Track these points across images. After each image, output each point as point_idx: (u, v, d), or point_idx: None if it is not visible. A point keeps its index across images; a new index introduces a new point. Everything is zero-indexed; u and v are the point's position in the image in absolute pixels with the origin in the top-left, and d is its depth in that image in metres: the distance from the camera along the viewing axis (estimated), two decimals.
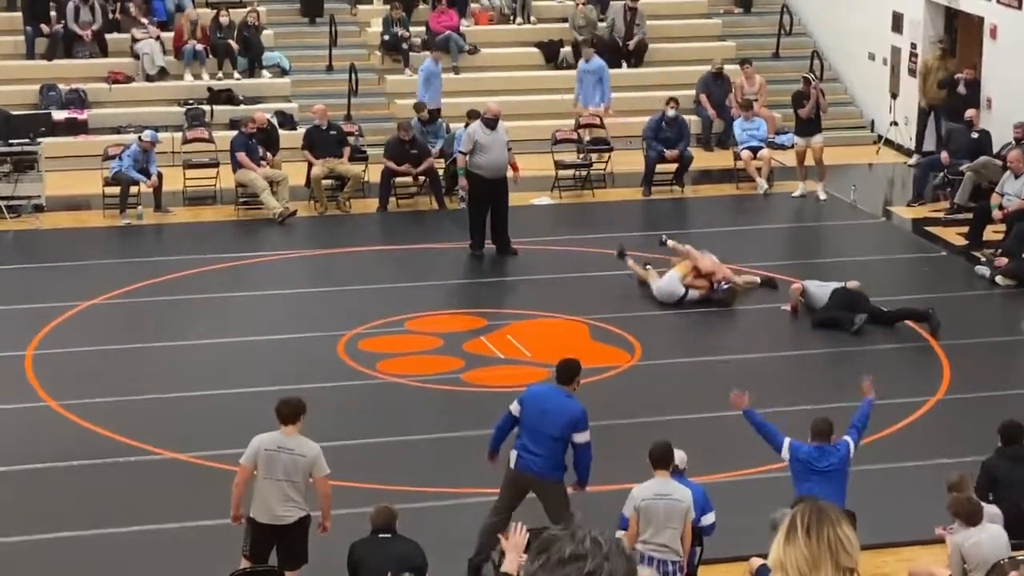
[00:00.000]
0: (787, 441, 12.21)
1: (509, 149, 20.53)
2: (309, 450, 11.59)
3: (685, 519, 11.36)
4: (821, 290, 18.28)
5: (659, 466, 11.54)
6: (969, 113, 23.22)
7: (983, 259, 20.12)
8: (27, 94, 25.07)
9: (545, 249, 20.69)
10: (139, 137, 22.34)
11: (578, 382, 12.41)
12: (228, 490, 12.61)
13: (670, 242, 19.49)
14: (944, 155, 22.92)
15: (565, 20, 27.86)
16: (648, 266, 19.16)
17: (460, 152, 20.68)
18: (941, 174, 23.06)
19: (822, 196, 23.15)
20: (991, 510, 11.65)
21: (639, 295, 18.90)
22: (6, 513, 13.43)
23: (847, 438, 12.21)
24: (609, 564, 3.60)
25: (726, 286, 18.72)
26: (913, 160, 24.99)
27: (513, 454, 12.20)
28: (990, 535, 11.17)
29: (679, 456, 11.80)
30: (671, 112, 23.81)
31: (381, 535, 11.19)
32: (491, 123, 20.27)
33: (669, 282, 18.70)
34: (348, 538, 11.32)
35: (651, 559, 11.37)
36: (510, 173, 20.70)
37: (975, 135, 23.02)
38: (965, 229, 21.26)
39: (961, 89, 24.00)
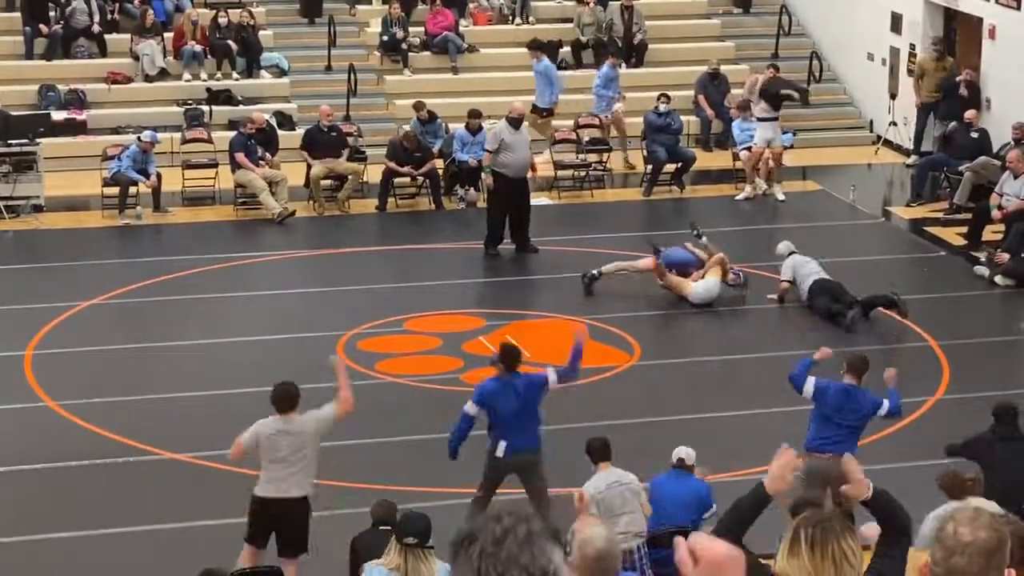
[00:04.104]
0: (811, 381, 12.70)
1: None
2: (307, 424, 11.74)
3: (640, 498, 11.59)
4: (806, 268, 18.50)
5: (601, 459, 11.77)
6: (969, 114, 23.23)
7: (983, 259, 20.13)
8: (26, 94, 25.04)
9: (545, 249, 20.67)
10: (138, 138, 22.33)
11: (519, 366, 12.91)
12: (228, 490, 12.68)
13: (704, 239, 19.42)
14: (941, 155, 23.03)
15: (564, 20, 27.88)
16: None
17: (487, 151, 20.78)
18: (942, 174, 23.11)
19: (743, 197, 23.39)
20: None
21: (639, 295, 18.89)
22: (5, 513, 13.42)
23: (885, 401, 12.56)
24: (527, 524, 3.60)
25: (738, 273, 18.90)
26: (911, 160, 25.01)
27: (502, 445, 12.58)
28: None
29: (687, 453, 11.93)
30: (662, 107, 23.87)
31: (382, 527, 11.22)
32: (516, 123, 20.48)
33: (712, 286, 18.66)
34: (347, 537, 11.34)
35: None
36: (529, 173, 20.88)
37: (974, 135, 23.04)
38: (964, 229, 21.27)
39: (962, 91, 24.00)
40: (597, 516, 11.56)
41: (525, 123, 20.81)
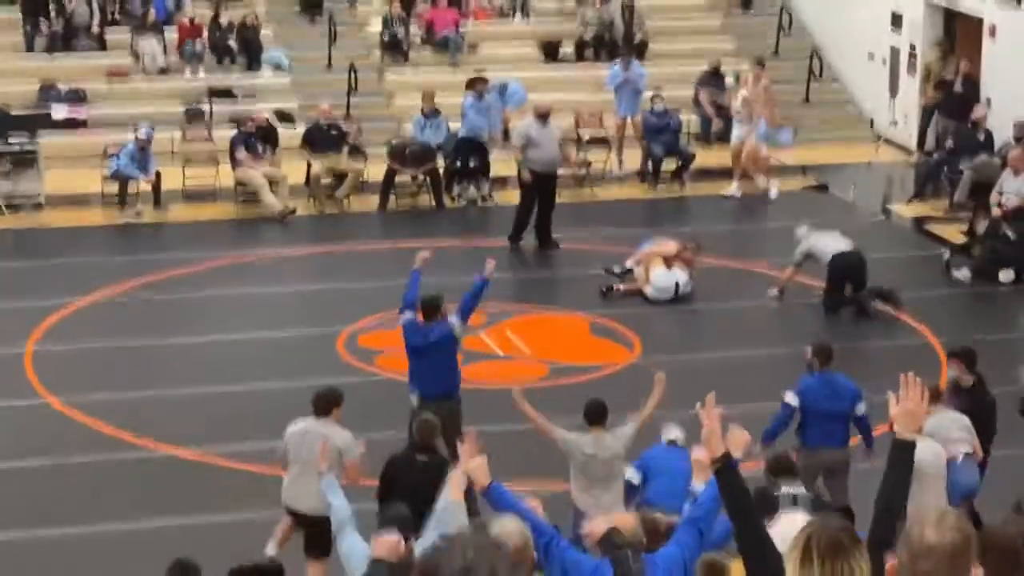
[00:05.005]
0: (789, 395, 12.69)
1: (560, 145, 20.95)
2: (339, 434, 11.57)
3: (620, 466, 11.72)
4: (824, 243, 18.46)
5: (594, 423, 11.87)
6: (977, 113, 23.24)
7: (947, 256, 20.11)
8: (27, 92, 25.06)
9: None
10: (136, 135, 22.32)
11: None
12: (228, 488, 12.65)
13: (621, 286, 19.21)
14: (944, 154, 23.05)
15: (564, 17, 27.89)
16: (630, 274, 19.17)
17: (515, 148, 20.85)
18: (943, 173, 23.15)
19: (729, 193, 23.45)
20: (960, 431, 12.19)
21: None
22: (4, 510, 13.42)
23: (862, 404, 12.52)
24: (489, 562, 3.80)
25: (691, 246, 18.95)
26: (914, 158, 25.01)
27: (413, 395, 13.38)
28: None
29: (677, 434, 11.99)
30: (659, 106, 23.88)
31: (419, 456, 11.19)
32: (542, 118, 20.59)
33: (662, 278, 18.69)
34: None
35: None
36: (561, 170, 21.12)
37: (981, 136, 23.06)
38: (965, 227, 21.28)
39: (958, 87, 24.01)
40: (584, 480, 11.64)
41: (552, 119, 20.92)
